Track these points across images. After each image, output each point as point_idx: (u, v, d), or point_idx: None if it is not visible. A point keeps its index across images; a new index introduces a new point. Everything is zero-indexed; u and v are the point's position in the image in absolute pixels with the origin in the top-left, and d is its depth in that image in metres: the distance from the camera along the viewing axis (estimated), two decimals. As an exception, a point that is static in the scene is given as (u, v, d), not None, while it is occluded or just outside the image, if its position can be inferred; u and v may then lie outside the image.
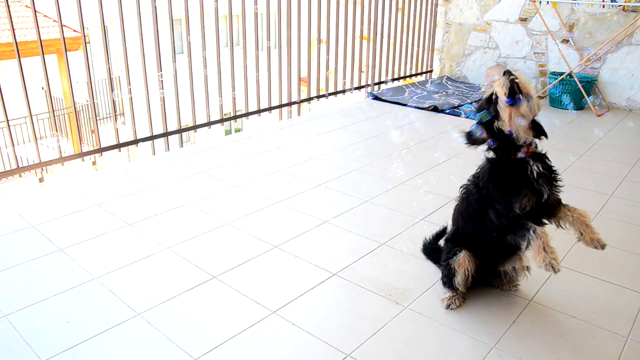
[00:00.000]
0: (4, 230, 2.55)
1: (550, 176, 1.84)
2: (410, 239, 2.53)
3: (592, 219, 1.88)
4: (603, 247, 1.83)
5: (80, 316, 1.94)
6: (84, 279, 2.16)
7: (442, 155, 3.68)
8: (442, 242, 2.24)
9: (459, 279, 1.97)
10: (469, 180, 2.01)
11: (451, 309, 2.02)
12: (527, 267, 2.06)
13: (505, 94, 1.74)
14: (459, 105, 5.14)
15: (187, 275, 2.20)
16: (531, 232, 1.77)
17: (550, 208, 1.88)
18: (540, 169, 1.81)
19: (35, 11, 3.11)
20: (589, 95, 5.05)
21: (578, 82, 4.97)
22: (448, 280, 2.02)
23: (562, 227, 1.91)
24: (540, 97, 5.07)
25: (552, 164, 1.88)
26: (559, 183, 1.88)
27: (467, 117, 4.80)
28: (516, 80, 1.74)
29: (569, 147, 4.00)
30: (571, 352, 1.80)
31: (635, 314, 2.02)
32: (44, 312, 1.96)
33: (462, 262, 1.96)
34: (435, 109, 5.02)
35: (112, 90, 3.62)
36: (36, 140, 3.35)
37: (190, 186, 3.13)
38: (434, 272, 2.25)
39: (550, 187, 1.83)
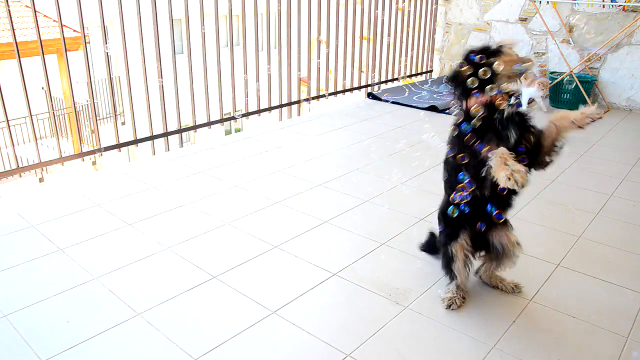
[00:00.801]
0: (4, 230, 2.55)
1: (520, 120, 1.81)
2: (410, 239, 2.54)
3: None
4: (599, 117, 1.78)
5: (80, 316, 1.94)
6: (84, 279, 2.16)
7: (442, 155, 3.67)
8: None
9: (458, 265, 1.99)
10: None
11: (452, 309, 2.02)
12: (517, 242, 2.03)
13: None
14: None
15: (187, 275, 2.20)
16: (489, 154, 1.73)
17: (535, 151, 1.84)
18: (508, 113, 1.79)
19: (35, 11, 3.11)
20: (589, 96, 5.05)
21: (578, 82, 4.97)
22: (447, 265, 2.05)
23: (547, 162, 1.88)
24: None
25: (525, 112, 1.85)
26: (532, 125, 1.85)
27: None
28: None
29: (569, 147, 3.99)
30: (571, 352, 1.80)
31: (635, 314, 2.02)
32: (44, 312, 1.96)
33: (460, 248, 1.99)
34: (435, 109, 5.02)
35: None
36: (36, 140, 3.36)
37: (190, 186, 3.13)
38: (434, 272, 2.25)
39: (520, 130, 1.79)
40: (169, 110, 3.93)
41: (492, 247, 2.05)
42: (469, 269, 2.08)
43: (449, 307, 2.02)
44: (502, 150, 1.71)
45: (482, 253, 2.12)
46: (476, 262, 2.14)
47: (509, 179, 1.65)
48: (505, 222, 2.03)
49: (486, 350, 1.81)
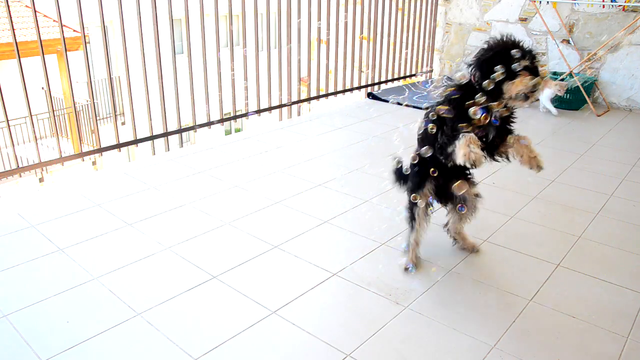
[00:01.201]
0: (4, 230, 2.55)
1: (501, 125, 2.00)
2: (410, 239, 2.53)
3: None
4: (539, 169, 1.96)
5: (80, 316, 1.94)
6: (84, 279, 2.16)
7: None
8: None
9: (419, 211, 2.22)
10: (429, 109, 2.15)
11: (410, 271, 2.23)
12: (477, 194, 2.24)
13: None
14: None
15: (187, 275, 2.21)
16: (460, 135, 1.91)
17: (498, 144, 2.04)
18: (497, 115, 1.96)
19: (35, 11, 3.11)
20: (589, 96, 5.05)
21: (578, 82, 4.97)
22: (410, 209, 2.26)
23: (508, 160, 2.07)
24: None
25: (513, 116, 2.04)
26: (512, 126, 2.05)
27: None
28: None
29: (569, 147, 4.00)
30: (571, 352, 1.81)
31: (635, 314, 2.02)
32: (44, 312, 1.96)
33: (423, 197, 2.21)
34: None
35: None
36: (36, 140, 3.35)
37: (190, 186, 3.13)
38: (434, 272, 2.25)
39: (498, 131, 1.99)
40: (169, 110, 3.93)
41: (455, 200, 2.25)
42: (429, 217, 2.29)
43: (406, 270, 2.23)
44: (472, 135, 1.91)
45: (449, 206, 2.29)
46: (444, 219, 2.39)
47: (466, 155, 1.86)
48: (468, 178, 2.21)
49: (486, 350, 1.81)
